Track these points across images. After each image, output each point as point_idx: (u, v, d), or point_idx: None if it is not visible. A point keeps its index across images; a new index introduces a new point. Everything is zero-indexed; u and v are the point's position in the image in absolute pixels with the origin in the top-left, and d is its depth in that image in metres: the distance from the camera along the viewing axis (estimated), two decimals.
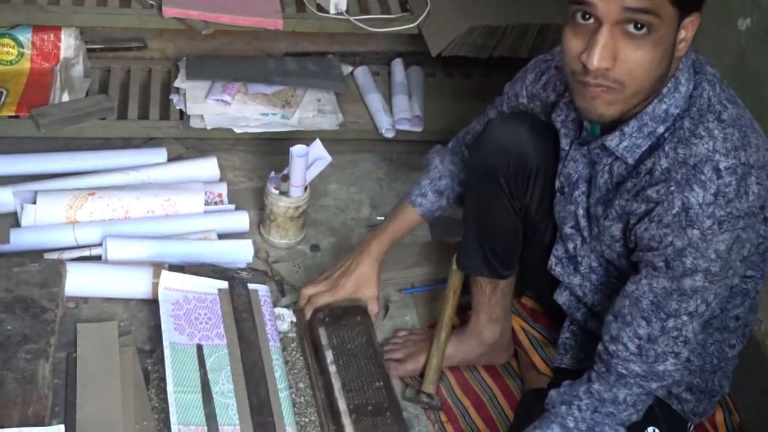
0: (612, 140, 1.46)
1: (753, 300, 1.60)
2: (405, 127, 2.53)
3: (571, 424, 1.50)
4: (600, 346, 1.52)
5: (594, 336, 1.70)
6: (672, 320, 1.43)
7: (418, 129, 2.54)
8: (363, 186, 2.42)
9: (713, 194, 1.35)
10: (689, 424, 1.68)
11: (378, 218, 2.31)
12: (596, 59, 1.31)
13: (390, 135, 2.51)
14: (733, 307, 1.57)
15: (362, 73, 2.68)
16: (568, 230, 1.63)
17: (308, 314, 1.87)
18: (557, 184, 1.63)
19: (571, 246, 1.64)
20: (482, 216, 1.76)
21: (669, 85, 1.41)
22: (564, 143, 1.61)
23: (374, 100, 2.57)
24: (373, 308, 1.89)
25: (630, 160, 1.45)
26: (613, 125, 1.45)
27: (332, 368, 1.80)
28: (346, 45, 2.76)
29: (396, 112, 2.55)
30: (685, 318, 1.43)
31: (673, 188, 1.38)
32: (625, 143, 1.45)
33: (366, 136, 2.54)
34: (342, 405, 1.73)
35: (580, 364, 1.72)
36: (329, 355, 1.82)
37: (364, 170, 2.48)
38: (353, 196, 2.39)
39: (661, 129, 1.42)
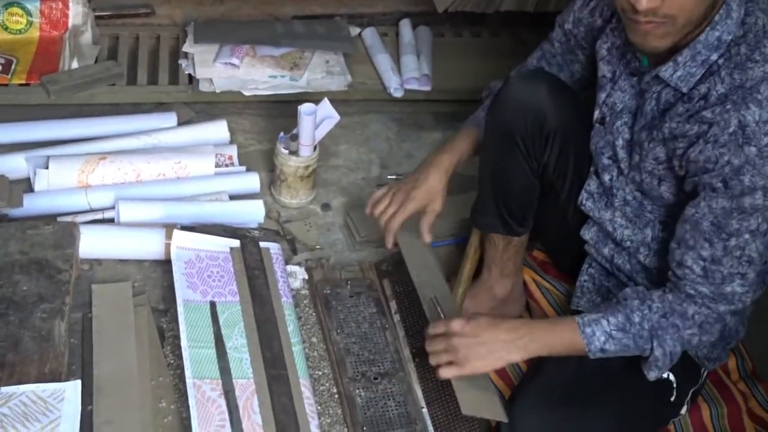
0: (666, 71, 1.46)
1: None
2: (414, 86, 2.53)
3: (637, 319, 1.49)
4: (669, 273, 1.52)
5: (614, 276, 1.71)
6: (734, 239, 1.42)
7: (427, 88, 2.54)
8: (373, 146, 2.43)
9: None
10: (702, 370, 1.68)
11: (389, 177, 2.32)
12: (644, 1, 1.34)
13: (399, 94, 2.50)
14: None
15: (370, 34, 2.67)
16: (605, 161, 1.64)
17: (390, 243, 1.81)
18: (597, 114, 1.63)
19: (606, 178, 1.65)
20: (498, 175, 1.76)
21: (720, 12, 1.41)
22: (606, 70, 1.61)
23: (382, 61, 2.57)
24: (428, 219, 1.82)
25: (684, 89, 1.45)
26: (665, 55, 1.45)
27: (396, 317, 1.87)
28: (354, 7, 2.76)
29: (404, 72, 2.54)
30: (747, 236, 1.42)
31: (729, 107, 1.38)
32: (679, 73, 1.45)
33: (375, 96, 2.54)
34: (406, 352, 1.80)
35: (596, 307, 1.72)
36: (393, 305, 1.88)
37: (374, 131, 2.48)
38: (363, 156, 2.39)
39: (714, 56, 1.42)
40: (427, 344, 1.57)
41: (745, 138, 1.36)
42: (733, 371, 1.86)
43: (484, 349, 1.50)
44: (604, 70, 1.62)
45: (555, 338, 1.52)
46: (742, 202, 1.39)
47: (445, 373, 1.53)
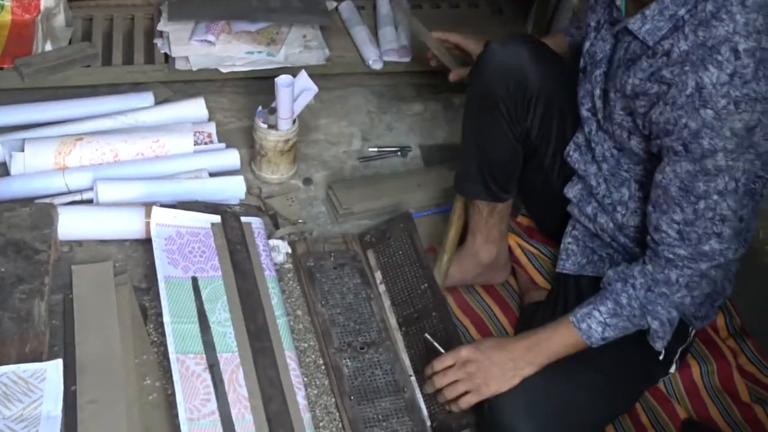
0: (634, 23, 1.45)
1: (757, 204, 1.57)
2: (392, 58, 2.51)
3: (625, 301, 1.50)
4: (647, 237, 1.52)
5: (598, 237, 1.69)
6: (703, 202, 1.41)
7: (406, 59, 2.52)
8: (353, 119, 2.41)
9: (729, 74, 1.32)
10: (690, 328, 1.67)
11: (370, 149, 2.30)
12: None
13: (378, 66, 2.48)
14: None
15: (347, 7, 2.65)
16: (585, 113, 1.63)
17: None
18: (581, 64, 1.62)
19: (587, 130, 1.64)
20: (481, 141, 1.74)
21: None
22: (592, 19, 1.60)
23: (360, 33, 2.54)
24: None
25: (650, 43, 1.43)
26: (647, 1, 1.43)
27: (382, 287, 1.85)
28: None
29: (383, 44, 2.52)
30: (715, 197, 1.40)
31: (687, 68, 1.35)
32: (647, 26, 1.43)
33: (354, 69, 2.51)
34: (392, 321, 1.80)
35: (582, 269, 1.71)
36: (378, 276, 1.87)
37: (354, 104, 2.45)
38: (344, 130, 2.37)
39: (681, 11, 1.39)
40: (437, 380, 1.56)
41: (701, 101, 1.34)
42: (721, 329, 1.85)
43: (498, 370, 1.51)
44: (590, 18, 1.60)
45: (557, 344, 1.53)
46: (704, 164, 1.37)
47: (466, 403, 1.54)
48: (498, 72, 1.66)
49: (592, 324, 1.50)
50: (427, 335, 1.67)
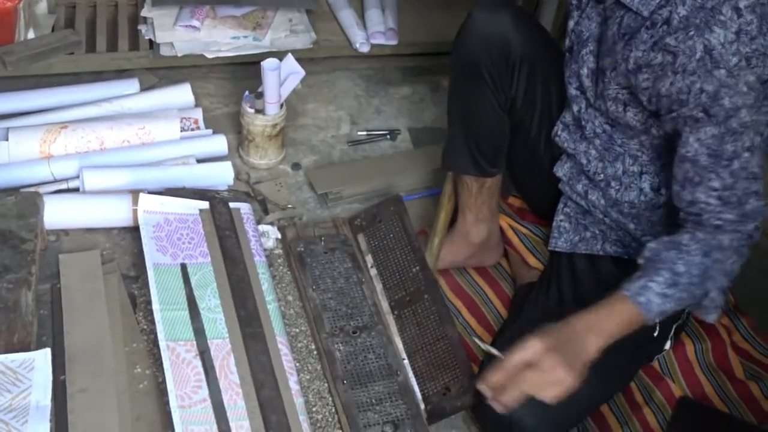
0: None
1: None
2: (380, 41, 2.49)
3: (683, 269, 1.40)
4: (681, 215, 1.47)
5: (590, 214, 1.68)
6: (736, 162, 1.38)
7: (393, 42, 2.50)
8: (341, 103, 2.39)
9: (735, 32, 1.30)
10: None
11: (359, 133, 2.29)
12: None
13: (365, 49, 2.46)
14: None
15: None
16: (573, 91, 1.61)
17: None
18: (567, 43, 1.59)
19: (575, 109, 1.61)
20: (467, 112, 1.72)
21: None
22: None
23: (347, 16, 2.52)
24: None
25: (645, 13, 1.40)
26: None
27: (373, 271, 1.84)
28: None
29: (369, 27, 2.50)
30: (746, 155, 1.37)
31: (692, 33, 1.33)
32: None
33: (341, 53, 2.49)
34: (384, 305, 1.78)
35: (575, 247, 1.70)
36: (369, 260, 1.85)
37: (342, 88, 2.43)
38: (332, 114, 2.35)
39: None
40: (520, 384, 1.36)
41: (713, 62, 1.32)
42: None
43: (572, 356, 1.35)
44: None
45: (615, 322, 1.39)
46: (729, 124, 1.35)
47: (557, 393, 1.36)
48: (480, 38, 1.64)
49: (650, 296, 1.39)
50: (476, 339, 1.58)
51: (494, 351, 1.43)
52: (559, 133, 1.67)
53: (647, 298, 1.39)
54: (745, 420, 1.66)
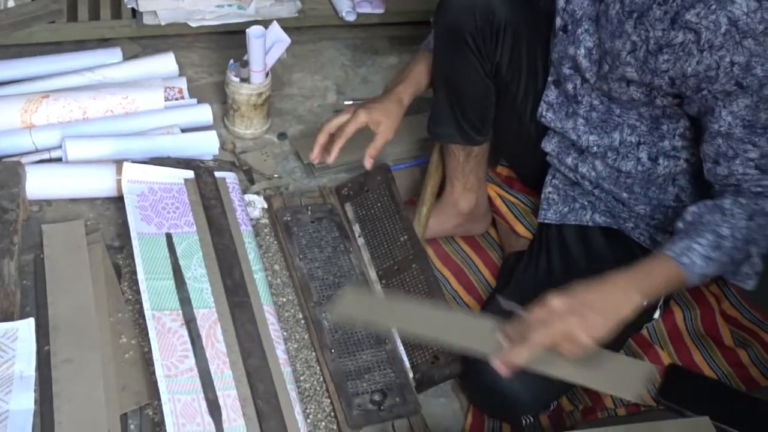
0: None
1: None
2: (366, 9, 2.46)
3: (727, 232, 1.38)
4: (717, 188, 1.45)
5: (579, 185, 1.67)
6: None
7: (380, 10, 2.47)
8: (328, 73, 2.36)
9: (757, 0, 1.29)
10: None
11: (346, 103, 2.27)
12: None
13: (351, 18, 2.43)
14: None
15: None
16: (566, 71, 1.58)
17: (334, 154, 1.68)
18: (559, 23, 1.56)
19: (570, 86, 1.59)
20: (452, 79, 1.70)
21: None
22: None
23: None
24: (377, 143, 1.71)
25: None
26: None
27: (360, 241, 1.81)
28: None
29: None
30: None
31: (714, 6, 1.31)
32: None
33: (327, 22, 2.47)
34: (372, 274, 1.76)
35: (564, 218, 1.69)
36: (357, 229, 1.83)
37: (328, 58, 2.41)
38: (318, 84, 2.32)
39: None
40: (538, 336, 1.31)
41: (740, 33, 1.30)
42: None
43: (598, 317, 1.32)
44: None
45: (657, 278, 1.37)
46: (763, 93, 1.33)
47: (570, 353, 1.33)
48: (463, 4, 1.61)
49: (694, 257, 1.36)
50: (500, 297, 1.43)
51: (518, 309, 1.37)
52: (543, 113, 1.65)
53: (691, 259, 1.37)
54: (734, 387, 1.65)
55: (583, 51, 1.53)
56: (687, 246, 1.37)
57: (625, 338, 1.69)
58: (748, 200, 1.41)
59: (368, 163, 1.74)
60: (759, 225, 1.40)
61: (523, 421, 1.56)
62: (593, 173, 1.64)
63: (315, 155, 1.72)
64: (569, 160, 1.66)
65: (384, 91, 1.76)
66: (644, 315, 1.66)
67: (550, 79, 1.63)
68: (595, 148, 1.61)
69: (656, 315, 1.68)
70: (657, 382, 1.64)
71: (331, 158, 1.70)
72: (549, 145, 1.69)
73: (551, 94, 1.64)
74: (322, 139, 1.70)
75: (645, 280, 1.36)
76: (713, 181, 1.46)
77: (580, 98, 1.59)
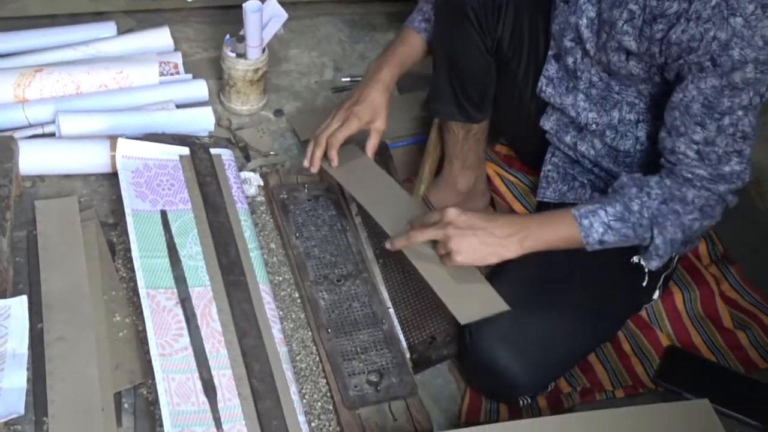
0: None
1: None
2: None
3: (636, 207, 1.42)
4: (662, 160, 1.46)
5: (578, 164, 1.65)
6: (727, 118, 1.36)
7: None
8: (325, 49, 2.33)
9: None
10: (674, 253, 1.64)
11: (343, 80, 2.24)
12: None
13: None
14: None
15: None
16: (568, 43, 1.55)
17: (335, 160, 1.65)
18: None
19: (570, 60, 1.56)
20: (452, 55, 1.68)
21: None
22: None
23: None
24: (373, 141, 1.68)
25: None
26: None
27: (357, 219, 1.79)
28: None
29: None
30: (739, 113, 1.36)
31: None
32: None
33: None
34: (369, 253, 1.73)
35: (563, 197, 1.67)
36: (354, 207, 1.80)
37: (325, 33, 2.38)
38: (315, 60, 2.30)
39: None
40: (412, 233, 1.47)
41: (729, 9, 1.28)
42: (704, 256, 1.82)
43: (477, 242, 1.41)
44: None
45: (551, 233, 1.44)
46: (732, 77, 1.32)
47: (444, 263, 1.46)
48: None
49: (595, 222, 1.42)
50: (423, 196, 1.62)
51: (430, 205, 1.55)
52: (543, 88, 1.63)
53: (591, 222, 1.42)
54: (733, 369, 1.64)
55: (585, 21, 1.50)
56: (593, 210, 1.43)
57: (624, 318, 1.68)
58: (674, 183, 1.43)
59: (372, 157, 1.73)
60: (672, 211, 1.42)
61: (521, 402, 1.55)
62: (592, 151, 1.62)
63: (313, 164, 1.67)
64: (568, 138, 1.64)
65: (367, 72, 1.71)
66: (644, 295, 1.65)
67: (550, 53, 1.61)
68: (594, 125, 1.59)
69: (655, 296, 1.67)
70: (656, 364, 1.63)
71: (334, 163, 1.66)
72: (548, 123, 1.67)
73: (551, 68, 1.61)
74: (319, 153, 1.66)
75: (538, 231, 1.44)
76: (661, 152, 1.46)
77: (579, 73, 1.57)
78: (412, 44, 1.74)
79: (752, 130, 1.39)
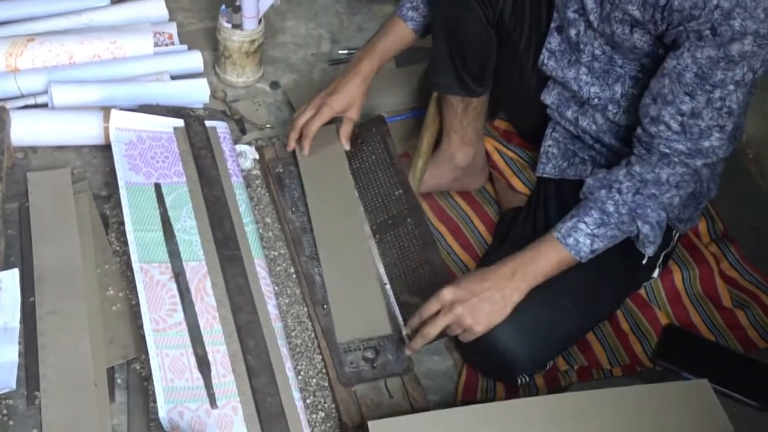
0: None
1: (752, 96, 1.51)
2: None
3: (612, 208, 1.42)
4: (638, 131, 1.43)
5: (579, 139, 1.63)
6: (718, 91, 1.33)
7: None
8: (322, 21, 2.30)
9: None
10: (674, 231, 1.63)
11: (340, 52, 2.21)
12: None
13: None
14: None
15: None
16: (571, 15, 1.51)
17: (306, 149, 1.74)
18: None
19: (573, 32, 1.53)
20: (452, 27, 1.64)
21: None
22: None
23: None
24: (345, 128, 1.77)
25: None
26: None
27: (354, 194, 1.76)
28: None
29: None
30: (731, 87, 1.33)
31: None
32: None
33: None
34: (366, 229, 1.71)
35: (563, 173, 1.65)
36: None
37: (322, 5, 2.34)
38: (312, 32, 2.26)
39: None
40: (427, 331, 1.44)
41: None
42: (704, 234, 1.81)
43: (487, 305, 1.42)
44: None
45: (543, 264, 1.44)
46: (730, 49, 1.29)
47: (466, 338, 1.46)
48: None
49: (580, 237, 1.43)
50: (403, 297, 1.60)
51: (417, 301, 1.53)
52: (545, 61, 1.60)
53: (575, 239, 1.43)
54: (731, 348, 1.63)
55: None
56: (573, 225, 1.44)
57: (623, 297, 1.67)
58: (644, 167, 1.42)
59: (347, 145, 1.80)
60: (648, 196, 1.42)
61: (519, 381, 1.54)
62: (594, 127, 1.59)
63: (288, 144, 1.77)
64: (569, 113, 1.62)
65: (348, 67, 1.75)
66: (643, 274, 1.64)
67: (552, 25, 1.57)
68: (596, 100, 1.56)
69: (655, 274, 1.66)
70: (654, 343, 1.62)
71: (305, 152, 1.76)
72: (549, 98, 1.64)
73: (554, 41, 1.58)
74: (294, 135, 1.75)
75: (531, 267, 1.44)
76: (641, 120, 1.43)
77: (582, 46, 1.54)
78: (396, 35, 1.75)
79: (738, 107, 1.36)
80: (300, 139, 1.75)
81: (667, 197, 1.43)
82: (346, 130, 1.77)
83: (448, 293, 1.43)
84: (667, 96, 1.38)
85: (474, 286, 1.43)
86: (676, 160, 1.40)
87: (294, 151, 1.78)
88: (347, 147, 1.78)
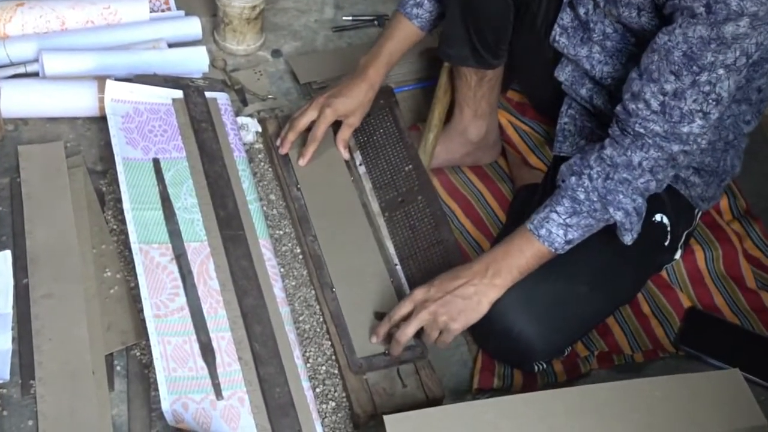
0: None
1: None
2: None
3: (582, 196, 1.35)
4: (618, 107, 1.35)
5: (596, 117, 1.56)
6: (706, 74, 1.26)
7: None
8: None
9: None
10: (696, 210, 1.56)
11: (344, 18, 2.13)
12: None
13: None
14: (759, 75, 1.42)
15: None
16: None
17: (308, 157, 1.65)
18: None
19: (582, 11, 1.45)
20: None
21: None
22: None
23: None
24: (343, 135, 1.68)
25: None
26: None
27: (362, 169, 1.70)
28: None
29: None
30: (720, 72, 1.26)
31: None
32: None
33: None
34: (375, 206, 1.65)
35: (580, 151, 1.57)
36: (358, 156, 1.71)
37: None
38: None
39: None
40: (401, 334, 1.39)
41: None
42: (725, 211, 1.74)
43: (460, 301, 1.37)
44: None
45: (517, 258, 1.38)
46: (723, 30, 1.21)
47: (443, 343, 1.41)
48: None
49: (552, 228, 1.36)
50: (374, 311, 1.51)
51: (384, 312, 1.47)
52: (557, 38, 1.52)
53: (548, 230, 1.37)
54: (757, 332, 1.57)
55: None
56: (546, 216, 1.38)
57: (644, 280, 1.60)
58: (616, 150, 1.35)
59: (345, 154, 1.70)
60: (620, 181, 1.35)
61: (536, 368, 1.48)
62: (609, 105, 1.51)
63: (283, 146, 1.67)
64: (584, 91, 1.54)
65: (356, 68, 1.66)
66: (665, 255, 1.57)
67: (565, 0, 1.50)
68: (609, 80, 1.48)
69: (677, 255, 1.59)
70: (677, 327, 1.55)
71: (304, 162, 1.67)
72: (562, 74, 1.56)
73: (566, 17, 1.50)
74: (292, 136, 1.65)
75: (504, 262, 1.39)
76: (623, 95, 1.35)
77: (592, 25, 1.46)
78: (402, 36, 1.66)
79: (728, 96, 1.29)
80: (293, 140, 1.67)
81: (641, 182, 1.35)
82: (343, 136, 1.68)
83: (419, 293, 1.39)
84: (653, 73, 1.30)
85: (446, 284, 1.39)
86: (650, 142, 1.32)
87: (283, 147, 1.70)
88: (346, 156, 1.70)
